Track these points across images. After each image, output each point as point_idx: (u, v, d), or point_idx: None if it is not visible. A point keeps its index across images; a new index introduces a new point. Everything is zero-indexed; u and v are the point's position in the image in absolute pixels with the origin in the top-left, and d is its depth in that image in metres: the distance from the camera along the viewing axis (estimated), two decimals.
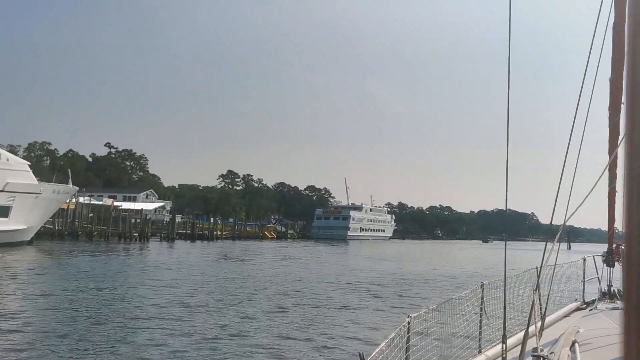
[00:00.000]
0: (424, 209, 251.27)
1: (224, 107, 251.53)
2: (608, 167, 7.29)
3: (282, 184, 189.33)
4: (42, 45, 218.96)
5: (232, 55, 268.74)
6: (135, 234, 71.31)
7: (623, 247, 3.86)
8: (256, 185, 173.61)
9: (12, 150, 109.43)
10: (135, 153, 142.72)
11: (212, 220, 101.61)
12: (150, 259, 44.15)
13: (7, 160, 45.81)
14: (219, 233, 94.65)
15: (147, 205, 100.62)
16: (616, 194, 8.82)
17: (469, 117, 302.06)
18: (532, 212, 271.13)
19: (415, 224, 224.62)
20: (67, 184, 52.94)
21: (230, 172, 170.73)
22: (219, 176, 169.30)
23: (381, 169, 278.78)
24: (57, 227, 63.87)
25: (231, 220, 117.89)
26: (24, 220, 45.22)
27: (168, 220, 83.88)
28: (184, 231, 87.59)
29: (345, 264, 49.21)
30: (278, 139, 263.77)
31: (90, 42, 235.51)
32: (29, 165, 47.62)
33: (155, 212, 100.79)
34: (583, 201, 5.20)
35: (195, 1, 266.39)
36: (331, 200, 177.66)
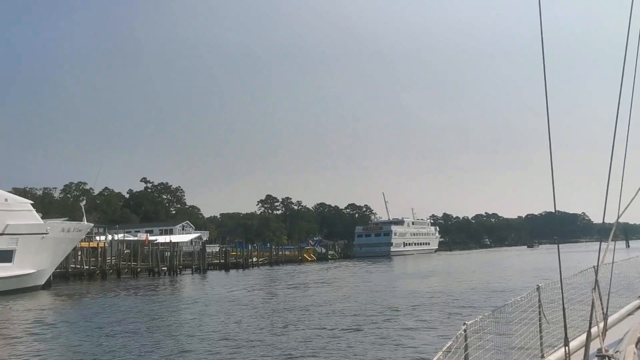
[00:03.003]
0: (470, 218, 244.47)
1: (260, 132, 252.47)
2: None
3: (322, 205, 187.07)
4: (68, 89, 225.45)
5: (263, 78, 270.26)
6: (164, 268, 69.42)
7: None
8: (296, 207, 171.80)
9: (47, 192, 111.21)
10: (171, 186, 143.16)
11: (249, 247, 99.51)
12: (165, 296, 41.69)
13: (6, 200, 43.69)
14: (254, 260, 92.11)
15: (183, 237, 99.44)
16: None
17: (506, 121, 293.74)
18: (582, 212, 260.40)
19: (462, 234, 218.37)
20: (82, 221, 51.22)
21: (269, 196, 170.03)
22: (258, 202, 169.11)
23: (422, 181, 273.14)
24: (85, 267, 62.66)
25: (271, 245, 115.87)
26: (30, 263, 43.35)
27: (199, 250, 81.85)
28: (218, 261, 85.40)
29: (383, 284, 45.70)
30: (316, 160, 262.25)
31: (119, 81, 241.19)
32: (31, 204, 45.78)
33: (191, 243, 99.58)
34: (634, 197, 5.46)
35: (222, 25, 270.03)
36: (372, 216, 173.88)
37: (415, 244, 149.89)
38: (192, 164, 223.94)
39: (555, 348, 7.17)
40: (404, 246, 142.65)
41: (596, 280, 5.75)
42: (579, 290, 8.43)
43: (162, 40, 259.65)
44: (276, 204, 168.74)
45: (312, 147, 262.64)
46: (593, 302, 5.11)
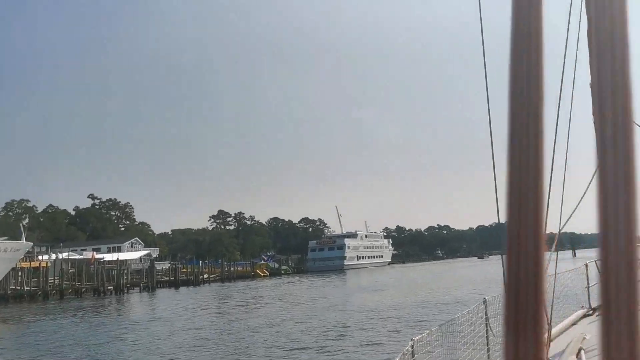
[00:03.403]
0: (423, 230, 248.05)
1: (212, 146, 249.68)
2: (600, 171, 6.63)
3: (275, 219, 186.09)
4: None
5: (212, 91, 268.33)
6: (110, 287, 67.22)
7: None
8: (249, 222, 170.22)
9: None
10: (120, 202, 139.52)
11: (200, 263, 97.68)
12: (105, 318, 40.27)
13: None
14: (205, 276, 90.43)
15: (131, 254, 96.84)
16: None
17: (455, 134, 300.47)
18: None
19: (415, 246, 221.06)
20: (20, 239, 49.03)
21: (221, 212, 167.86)
22: (210, 217, 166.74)
23: (376, 194, 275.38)
24: (26, 288, 59.92)
25: (223, 261, 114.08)
26: None
27: (147, 268, 79.72)
28: (167, 278, 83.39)
29: (334, 299, 45.50)
30: (268, 174, 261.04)
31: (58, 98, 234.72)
32: None
33: (140, 260, 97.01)
34: (575, 209, 5.67)
35: (169, 43, 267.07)
36: (326, 230, 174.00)
37: (368, 257, 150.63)
38: (142, 179, 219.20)
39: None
40: (358, 259, 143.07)
41: None
42: None
43: (106, 49, 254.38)
44: (229, 219, 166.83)
45: (263, 161, 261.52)
46: None
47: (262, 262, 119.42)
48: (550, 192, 4.97)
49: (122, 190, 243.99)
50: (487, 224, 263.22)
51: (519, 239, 0.81)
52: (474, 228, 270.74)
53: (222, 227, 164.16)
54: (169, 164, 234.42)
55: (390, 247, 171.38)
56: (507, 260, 0.82)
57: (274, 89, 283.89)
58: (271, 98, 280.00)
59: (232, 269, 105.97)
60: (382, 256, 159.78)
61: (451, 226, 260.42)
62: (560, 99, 5.57)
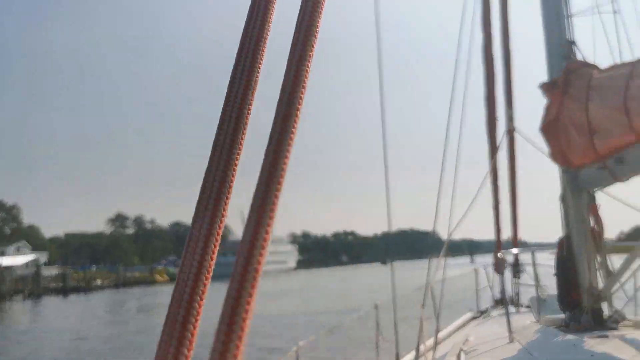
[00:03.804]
0: (329, 235, 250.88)
1: (110, 145, 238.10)
2: (491, 180, 8.79)
3: (178, 224, 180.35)
4: None
5: (107, 78, 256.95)
6: None
7: (499, 255, 8.34)
8: (149, 226, 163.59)
9: None
10: (6, 203, 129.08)
11: (93, 268, 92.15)
12: None
13: None
14: (98, 282, 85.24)
15: (15, 259, 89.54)
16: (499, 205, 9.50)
17: (360, 139, 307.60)
18: (434, 230, 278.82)
19: (321, 251, 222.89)
20: None
21: (119, 215, 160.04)
22: (108, 220, 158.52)
23: (284, 198, 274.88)
24: None
25: (119, 266, 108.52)
26: None
27: (33, 273, 73.88)
28: (56, 284, 77.63)
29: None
30: (171, 176, 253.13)
31: None
32: None
33: (27, 266, 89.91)
34: (464, 215, 6.32)
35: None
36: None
37: (273, 263, 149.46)
38: (32, 179, 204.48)
39: None
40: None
41: (424, 297, 5.99)
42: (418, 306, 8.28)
43: None
44: (127, 222, 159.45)
45: (165, 162, 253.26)
46: (421, 318, 5.36)
47: (162, 267, 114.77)
48: (438, 202, 5.68)
49: (9, 191, 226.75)
50: (391, 230, 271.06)
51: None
52: (379, 234, 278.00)
53: (121, 230, 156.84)
54: (63, 164, 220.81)
55: (296, 252, 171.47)
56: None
57: (174, 89, 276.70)
58: (174, 99, 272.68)
59: (129, 274, 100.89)
60: (286, 262, 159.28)
61: (357, 232, 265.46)
62: (450, 110, 6.31)
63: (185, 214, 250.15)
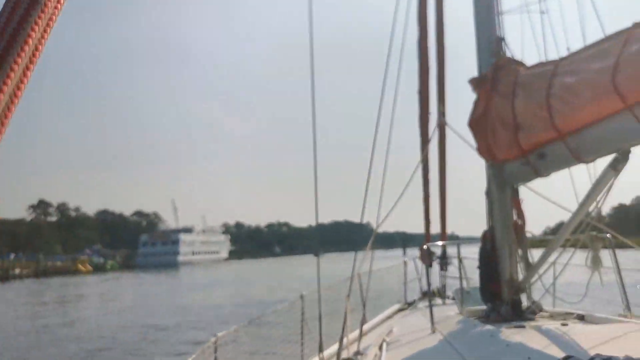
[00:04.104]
0: (262, 226, 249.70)
1: (33, 130, 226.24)
2: (422, 174, 8.94)
3: (105, 212, 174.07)
4: None
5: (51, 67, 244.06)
6: None
7: (425, 248, 7.90)
8: (74, 214, 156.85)
9: None
10: None
11: (11, 256, 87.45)
12: None
13: None
14: (17, 272, 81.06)
15: None
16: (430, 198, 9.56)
17: (292, 129, 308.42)
18: (368, 222, 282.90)
19: (254, 242, 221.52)
20: None
21: (42, 201, 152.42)
22: (29, 207, 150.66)
23: (216, 188, 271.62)
24: None
25: (39, 255, 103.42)
26: None
27: None
28: None
29: (159, 298, 42.82)
30: (99, 162, 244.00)
31: None
32: None
33: None
34: (392, 208, 6.35)
35: None
36: (161, 224, 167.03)
37: (204, 253, 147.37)
38: None
39: (313, 355, 7.22)
40: (193, 255, 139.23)
41: (350, 288, 5.96)
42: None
43: None
44: (50, 209, 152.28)
45: (93, 148, 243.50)
46: (346, 309, 5.41)
47: (86, 256, 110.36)
48: (367, 195, 5.64)
49: None
50: (326, 222, 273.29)
51: None
52: (313, 225, 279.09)
53: (43, 217, 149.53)
54: None
55: (228, 242, 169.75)
56: None
57: (115, 78, 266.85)
58: (110, 84, 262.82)
59: (50, 263, 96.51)
60: (218, 252, 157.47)
61: (291, 223, 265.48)
62: (381, 102, 6.35)
63: (113, 202, 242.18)
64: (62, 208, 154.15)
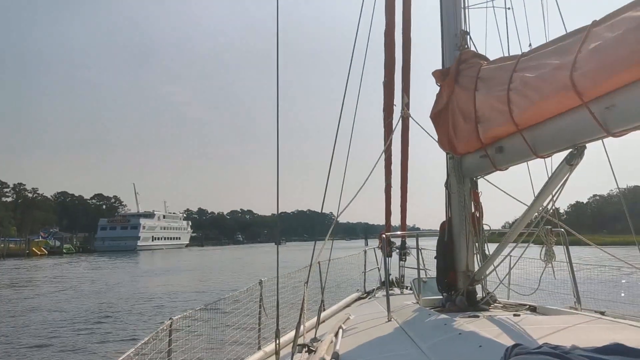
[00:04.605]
0: (225, 213, 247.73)
1: None
2: (384, 165, 9.25)
3: (63, 194, 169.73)
4: None
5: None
6: None
7: (384, 236, 8.71)
8: (30, 195, 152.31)
9: None
10: None
11: None
12: None
13: None
14: None
15: None
16: (391, 188, 9.68)
17: (258, 118, 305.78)
18: (331, 212, 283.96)
19: (216, 229, 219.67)
20: None
21: None
22: None
23: (179, 174, 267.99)
24: None
25: None
26: None
27: None
28: None
29: (114, 283, 42.03)
30: (58, 144, 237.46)
31: None
32: None
33: None
34: (353, 198, 6.32)
35: None
36: (121, 209, 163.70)
37: (165, 239, 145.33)
38: None
39: (270, 341, 7.20)
40: (153, 240, 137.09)
41: (308, 276, 5.91)
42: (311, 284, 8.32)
43: None
44: (6, 190, 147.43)
45: (52, 129, 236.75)
46: (304, 296, 5.40)
47: (41, 239, 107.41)
48: (327, 186, 5.58)
49: None
50: (289, 211, 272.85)
51: None
52: (276, 214, 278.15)
53: None
54: None
55: (189, 229, 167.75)
56: None
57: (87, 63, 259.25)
58: (78, 69, 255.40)
59: (1, 245, 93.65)
60: (179, 238, 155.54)
61: (254, 211, 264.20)
62: (345, 95, 6.39)
63: (73, 185, 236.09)
64: (18, 188, 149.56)
